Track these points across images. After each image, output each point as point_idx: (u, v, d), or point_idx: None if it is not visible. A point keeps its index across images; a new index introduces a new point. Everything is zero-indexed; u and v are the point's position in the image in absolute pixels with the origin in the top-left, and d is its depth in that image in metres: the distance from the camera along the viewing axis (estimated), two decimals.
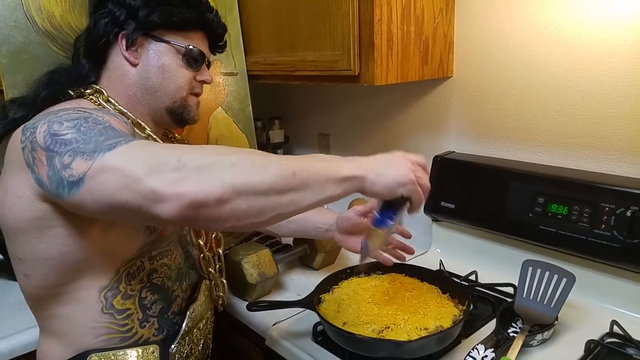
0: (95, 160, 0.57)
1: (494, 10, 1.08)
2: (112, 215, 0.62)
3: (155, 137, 0.83)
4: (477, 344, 0.82)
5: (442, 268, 1.14)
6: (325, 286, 0.95)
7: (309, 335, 0.91)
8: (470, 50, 1.14)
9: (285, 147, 1.67)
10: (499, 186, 1.06)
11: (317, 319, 0.87)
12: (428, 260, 1.18)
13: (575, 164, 1.03)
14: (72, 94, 0.80)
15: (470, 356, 0.79)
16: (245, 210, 0.56)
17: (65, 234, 0.68)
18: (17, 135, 0.68)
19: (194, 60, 0.84)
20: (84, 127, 0.63)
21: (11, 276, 0.75)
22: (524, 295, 0.90)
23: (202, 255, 0.92)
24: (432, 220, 1.24)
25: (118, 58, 0.81)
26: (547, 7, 0.99)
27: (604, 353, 0.82)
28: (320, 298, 0.92)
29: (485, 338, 0.84)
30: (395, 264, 0.96)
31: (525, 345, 0.81)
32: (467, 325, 0.90)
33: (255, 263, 1.03)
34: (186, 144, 0.97)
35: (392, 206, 0.70)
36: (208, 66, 0.89)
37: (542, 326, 0.85)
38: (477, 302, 0.99)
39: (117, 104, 0.80)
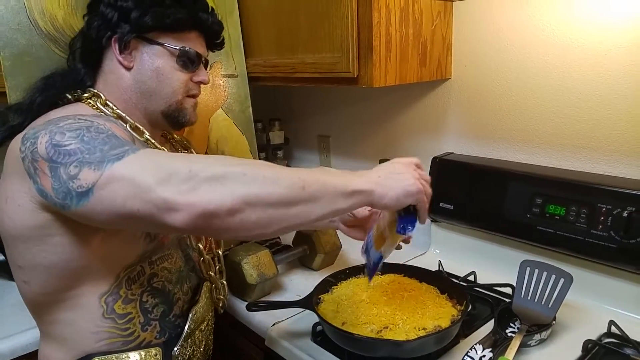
0: (104, 170, 0.58)
1: (492, 13, 1.09)
2: (119, 225, 0.62)
3: (153, 141, 0.82)
4: (475, 344, 0.82)
5: (441, 269, 1.14)
6: (325, 286, 0.96)
7: (308, 336, 0.91)
8: (468, 53, 1.15)
9: (285, 149, 1.68)
10: (497, 187, 1.07)
11: (317, 319, 0.87)
12: (427, 260, 1.19)
13: (572, 165, 1.03)
14: (70, 97, 0.79)
15: (469, 356, 0.80)
16: (254, 221, 0.57)
17: (65, 242, 0.68)
18: (16, 143, 0.67)
19: (190, 62, 0.82)
20: (87, 136, 0.62)
21: (12, 276, 0.76)
22: (522, 296, 0.91)
23: (202, 258, 0.92)
24: (431, 221, 1.24)
25: (112, 62, 0.80)
26: (544, 9, 1.00)
27: (601, 353, 0.82)
28: (320, 298, 0.93)
29: (484, 338, 0.84)
30: (394, 264, 0.97)
31: (523, 345, 0.82)
32: (466, 326, 0.90)
33: (254, 264, 1.03)
34: (185, 144, 0.98)
35: (405, 213, 0.71)
36: (205, 66, 0.87)
37: (540, 326, 0.85)
38: (475, 302, 0.99)
39: (115, 108, 0.79)
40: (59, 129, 0.64)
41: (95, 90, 0.80)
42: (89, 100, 0.79)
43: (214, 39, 0.89)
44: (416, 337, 0.79)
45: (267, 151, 1.64)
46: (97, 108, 0.78)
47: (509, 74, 1.09)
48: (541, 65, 1.03)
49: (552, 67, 1.02)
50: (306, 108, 1.68)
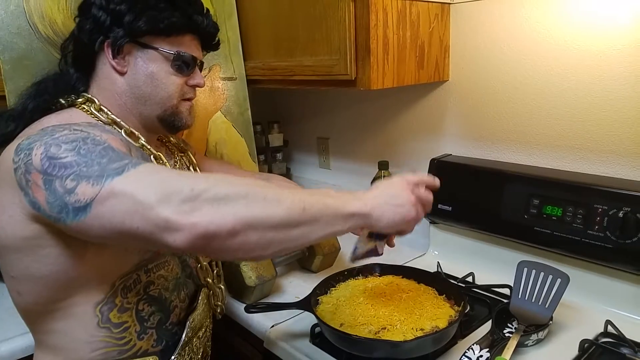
0: (103, 185, 0.56)
1: (489, 15, 1.10)
2: (115, 241, 0.61)
3: (149, 147, 0.81)
4: (473, 344, 0.82)
5: (439, 270, 1.15)
6: (323, 288, 0.96)
7: (306, 337, 0.91)
8: (466, 55, 1.16)
9: (285, 151, 1.69)
10: (495, 188, 1.07)
11: (315, 321, 0.87)
12: (426, 262, 1.19)
13: (569, 166, 1.04)
14: (64, 102, 0.77)
15: (466, 356, 0.80)
16: (255, 242, 0.57)
17: (57, 253, 0.67)
18: (8, 153, 0.65)
19: (185, 66, 0.80)
20: (83, 149, 0.61)
21: None
22: (519, 296, 0.91)
23: (199, 265, 0.90)
24: (430, 222, 1.25)
25: (105, 66, 0.78)
26: (541, 12, 1.01)
27: (598, 352, 0.82)
28: (318, 300, 0.93)
29: (481, 338, 0.84)
30: (392, 265, 0.97)
31: (520, 345, 0.82)
32: (464, 326, 0.91)
33: (253, 266, 1.03)
34: (182, 147, 0.97)
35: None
36: (200, 68, 0.86)
37: (537, 326, 0.86)
38: (474, 303, 1.00)
39: (109, 113, 0.78)
40: (55, 140, 0.62)
41: (89, 95, 0.79)
42: (83, 106, 0.77)
43: (210, 41, 0.87)
44: (414, 337, 0.79)
45: (266, 154, 1.64)
46: (92, 113, 0.77)
47: (507, 76, 1.10)
48: (538, 67, 1.04)
49: (549, 69, 1.02)
50: (305, 110, 1.68)
